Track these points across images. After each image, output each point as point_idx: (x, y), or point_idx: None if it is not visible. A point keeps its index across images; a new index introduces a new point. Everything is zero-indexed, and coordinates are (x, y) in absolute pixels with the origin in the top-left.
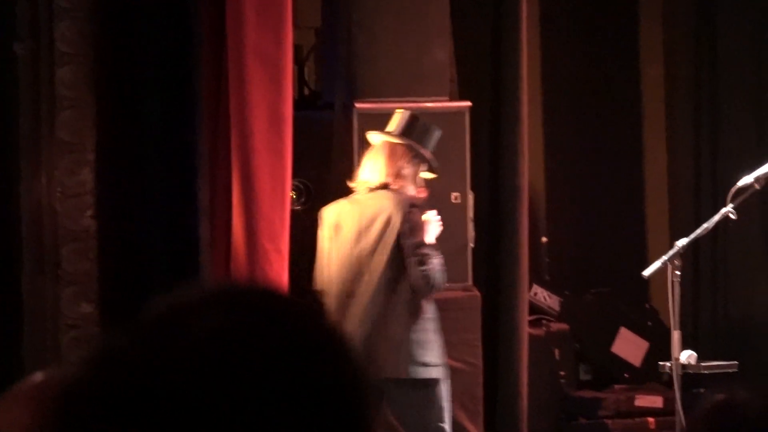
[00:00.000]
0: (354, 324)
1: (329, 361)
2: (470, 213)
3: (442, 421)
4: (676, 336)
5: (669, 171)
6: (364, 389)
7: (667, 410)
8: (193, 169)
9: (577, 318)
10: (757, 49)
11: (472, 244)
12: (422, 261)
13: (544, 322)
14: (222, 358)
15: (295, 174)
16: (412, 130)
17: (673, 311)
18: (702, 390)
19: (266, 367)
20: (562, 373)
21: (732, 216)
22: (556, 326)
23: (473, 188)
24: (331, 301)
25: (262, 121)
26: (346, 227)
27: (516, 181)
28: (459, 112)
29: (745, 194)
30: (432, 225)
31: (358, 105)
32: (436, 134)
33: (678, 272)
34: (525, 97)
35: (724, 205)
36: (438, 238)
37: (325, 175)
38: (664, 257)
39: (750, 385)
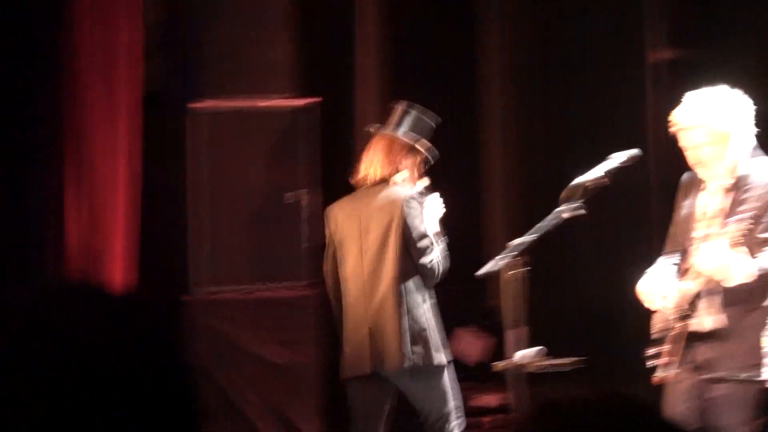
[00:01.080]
0: (376, 318)
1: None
2: (306, 211)
3: (450, 402)
4: (511, 335)
5: (510, 169)
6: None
7: (505, 409)
8: (26, 168)
9: None
10: (604, 50)
11: (306, 243)
12: (426, 252)
13: None
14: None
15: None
16: (407, 122)
17: (509, 311)
18: (545, 387)
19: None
20: None
21: (565, 216)
22: None
23: (319, 186)
24: (349, 297)
25: (99, 120)
26: (351, 225)
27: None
28: (305, 109)
29: (592, 189)
30: (433, 210)
31: (198, 104)
32: (431, 123)
33: (520, 270)
34: (370, 93)
35: (558, 206)
36: (274, 236)
37: (173, 174)
38: (497, 258)
39: (594, 382)
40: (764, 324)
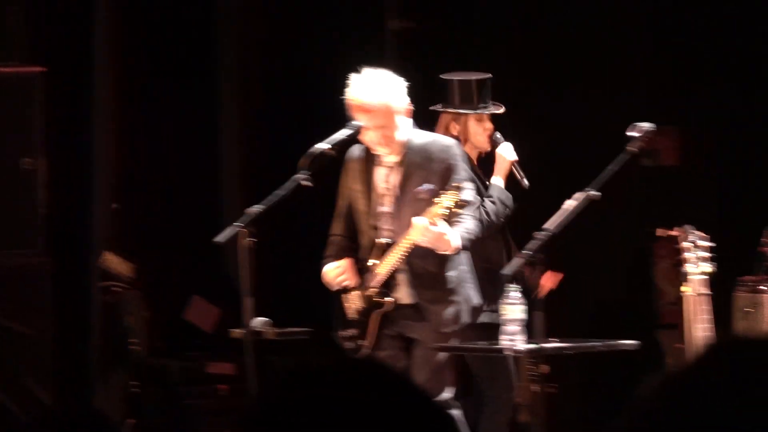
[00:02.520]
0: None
1: None
2: (42, 179)
3: None
4: (248, 303)
5: (247, 137)
6: None
7: (240, 377)
8: None
9: (150, 285)
10: (344, 20)
11: (43, 210)
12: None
13: (116, 288)
14: None
15: None
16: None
17: (245, 278)
18: (275, 357)
19: None
20: (134, 340)
21: (307, 183)
22: (129, 293)
23: (48, 155)
24: None
25: None
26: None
27: (89, 147)
28: (30, 77)
29: (320, 160)
30: None
31: None
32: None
33: (253, 239)
34: (106, 65)
35: (297, 172)
36: (8, 203)
37: None
38: (235, 224)
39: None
40: (454, 294)
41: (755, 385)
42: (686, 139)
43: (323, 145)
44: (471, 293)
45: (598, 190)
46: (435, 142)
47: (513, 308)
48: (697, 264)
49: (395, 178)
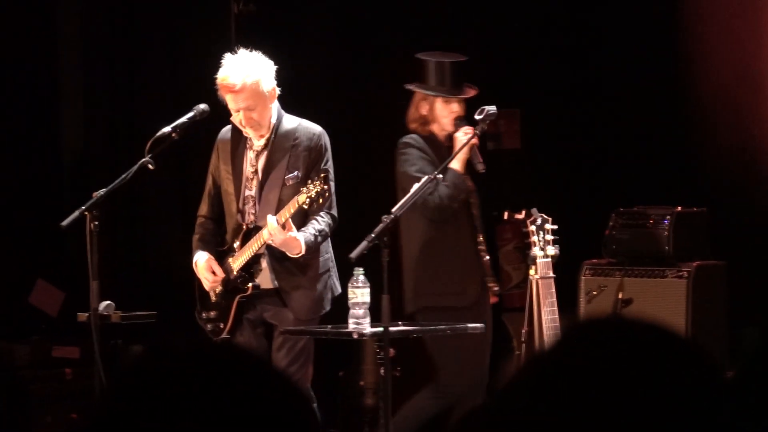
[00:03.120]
0: None
1: None
2: None
3: None
4: (94, 286)
5: (88, 120)
6: None
7: (85, 360)
8: None
9: None
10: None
11: None
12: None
13: None
14: None
15: None
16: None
17: (91, 262)
18: (119, 341)
19: None
20: None
21: (150, 167)
22: None
23: None
24: None
25: None
26: None
27: None
28: None
29: (164, 144)
30: None
31: None
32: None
33: (97, 223)
34: None
35: (143, 156)
36: None
37: None
38: (82, 207)
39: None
40: (317, 282)
41: (613, 364)
42: (528, 121)
43: (167, 129)
44: (334, 281)
45: (441, 173)
46: (303, 127)
47: (359, 292)
48: (543, 247)
49: (261, 162)
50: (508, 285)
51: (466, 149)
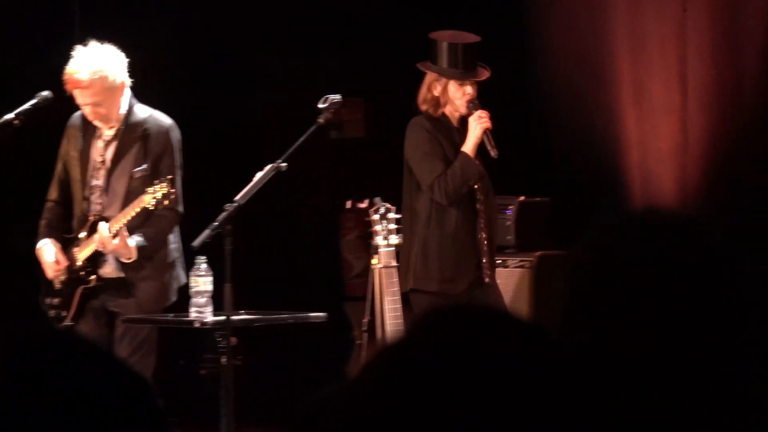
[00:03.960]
0: None
1: None
2: None
3: None
4: None
5: None
6: None
7: None
8: None
9: None
10: None
11: None
12: None
13: None
14: None
15: None
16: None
17: None
18: None
19: None
20: None
21: None
22: None
23: None
24: None
25: None
26: None
27: None
28: None
29: (6, 131)
30: None
31: None
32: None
33: None
34: None
35: None
36: None
37: None
38: None
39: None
40: (163, 272)
41: (461, 351)
42: (372, 110)
43: (9, 116)
44: (180, 272)
45: (285, 161)
46: (153, 120)
47: (201, 280)
48: (386, 236)
49: (110, 153)
50: (350, 274)
51: (478, 134)
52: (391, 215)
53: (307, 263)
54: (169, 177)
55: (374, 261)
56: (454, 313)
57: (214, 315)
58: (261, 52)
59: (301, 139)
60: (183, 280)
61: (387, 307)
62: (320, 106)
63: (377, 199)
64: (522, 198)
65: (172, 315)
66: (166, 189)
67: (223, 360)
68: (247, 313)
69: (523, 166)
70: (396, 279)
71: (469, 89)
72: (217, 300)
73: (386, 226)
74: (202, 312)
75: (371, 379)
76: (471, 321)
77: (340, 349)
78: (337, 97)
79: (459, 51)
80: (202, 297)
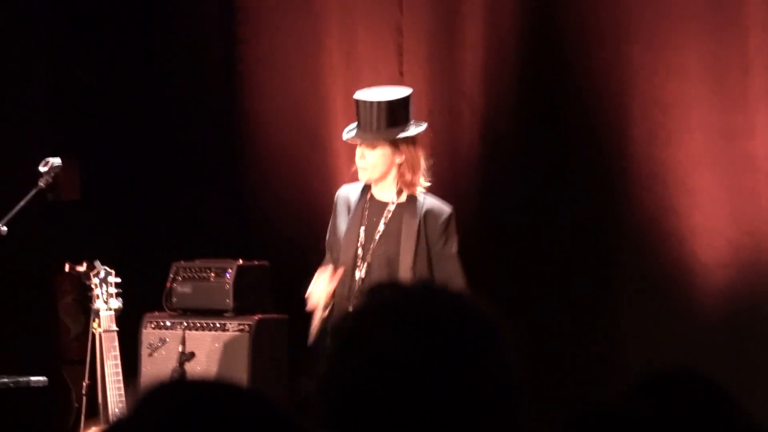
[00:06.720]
0: None
1: None
2: None
3: None
4: None
5: None
6: None
7: None
8: None
9: None
10: None
11: None
12: None
13: None
14: None
15: None
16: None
17: None
18: None
19: None
20: None
21: None
22: None
23: None
24: None
25: None
26: None
27: None
28: None
29: None
30: None
31: None
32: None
33: None
34: None
35: None
36: None
37: None
38: None
39: None
40: None
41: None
42: (87, 172)
43: None
44: None
45: (5, 225)
46: None
47: None
48: (106, 300)
49: None
50: (66, 337)
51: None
52: (111, 279)
53: (24, 326)
54: None
55: (95, 324)
56: (177, 389)
57: None
58: None
59: (22, 203)
60: None
61: (108, 371)
62: (40, 169)
63: (97, 263)
64: (240, 261)
65: None
66: None
67: None
68: None
69: (242, 230)
70: (116, 343)
71: (359, 152)
72: None
73: (106, 290)
74: None
75: None
76: (195, 396)
77: (60, 413)
78: (57, 160)
79: (358, 108)
80: None
